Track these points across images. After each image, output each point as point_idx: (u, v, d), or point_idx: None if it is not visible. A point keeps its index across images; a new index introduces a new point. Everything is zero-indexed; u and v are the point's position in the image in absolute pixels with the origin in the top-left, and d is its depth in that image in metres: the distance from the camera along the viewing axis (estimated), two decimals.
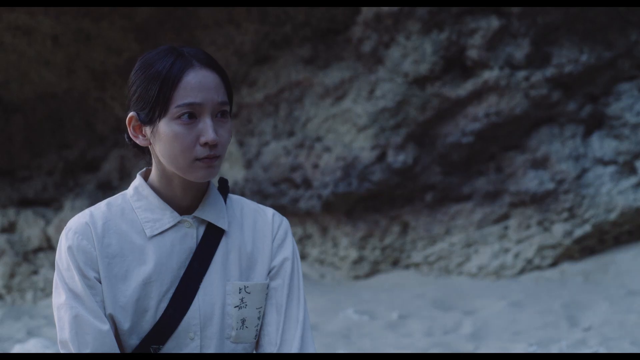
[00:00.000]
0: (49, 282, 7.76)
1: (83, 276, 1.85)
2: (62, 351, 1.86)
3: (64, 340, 1.85)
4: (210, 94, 1.84)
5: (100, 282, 1.87)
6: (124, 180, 8.15)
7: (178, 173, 1.88)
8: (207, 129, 1.82)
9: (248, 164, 7.66)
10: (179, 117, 1.81)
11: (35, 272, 7.88)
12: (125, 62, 7.74)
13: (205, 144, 1.83)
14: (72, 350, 1.84)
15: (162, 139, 1.84)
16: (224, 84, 1.88)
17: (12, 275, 7.82)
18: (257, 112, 7.58)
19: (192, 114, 1.82)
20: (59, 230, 7.91)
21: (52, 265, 7.86)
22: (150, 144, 1.89)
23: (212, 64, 1.87)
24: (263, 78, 7.51)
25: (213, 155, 1.85)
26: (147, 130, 1.87)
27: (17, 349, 4.85)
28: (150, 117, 1.84)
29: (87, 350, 1.83)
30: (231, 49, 7.44)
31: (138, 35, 7.48)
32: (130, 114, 1.88)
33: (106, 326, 1.84)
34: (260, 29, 7.31)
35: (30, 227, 8.09)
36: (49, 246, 8.04)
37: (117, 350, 1.86)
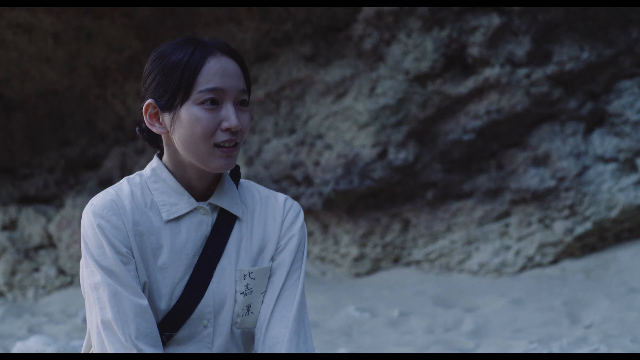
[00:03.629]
0: (50, 280, 7.77)
1: (116, 252, 1.83)
2: (103, 332, 1.82)
3: (106, 320, 1.82)
4: (233, 81, 1.85)
5: (133, 257, 1.85)
6: None
7: (196, 162, 1.86)
8: (229, 115, 1.83)
9: (249, 161, 7.67)
10: (202, 103, 1.82)
11: (36, 270, 7.88)
12: (127, 59, 7.74)
13: (227, 130, 1.83)
14: (116, 329, 1.81)
15: (184, 124, 1.83)
16: (244, 72, 1.90)
17: (13, 272, 7.83)
18: (258, 110, 7.58)
19: (214, 100, 1.83)
20: (61, 227, 7.92)
21: (54, 263, 7.87)
22: (167, 132, 1.88)
23: (233, 53, 1.90)
24: (264, 75, 7.52)
25: (233, 141, 1.85)
26: (166, 117, 1.86)
27: (18, 346, 4.85)
28: (170, 103, 1.84)
29: (130, 328, 1.80)
30: (232, 46, 7.42)
31: (139, 33, 7.48)
32: (148, 101, 1.87)
33: (145, 301, 1.83)
34: (261, 27, 7.31)
35: (32, 225, 8.10)
36: (50, 244, 8.04)
37: (156, 326, 1.84)
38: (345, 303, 6.39)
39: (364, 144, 7.10)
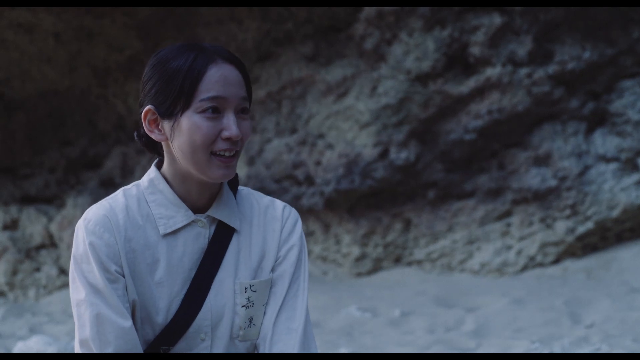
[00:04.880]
0: (51, 280, 7.77)
1: (105, 270, 1.81)
2: (81, 350, 1.82)
3: (84, 339, 1.81)
4: (234, 89, 1.82)
5: (122, 276, 1.83)
6: (126, 178, 8.15)
7: (194, 170, 1.84)
8: (230, 124, 1.80)
9: (250, 161, 7.66)
10: (203, 111, 1.79)
11: (37, 269, 7.88)
12: (127, 59, 7.74)
13: (228, 139, 1.81)
14: (93, 349, 1.80)
15: (184, 132, 1.80)
16: (245, 79, 1.86)
17: (14, 272, 7.83)
18: (259, 110, 7.58)
19: (216, 109, 1.80)
20: (62, 227, 7.92)
21: (55, 263, 7.87)
22: (166, 139, 1.85)
23: (234, 60, 1.85)
24: (265, 75, 7.51)
25: (233, 150, 1.82)
26: (166, 124, 1.83)
27: (20, 346, 4.85)
28: (171, 111, 1.81)
29: (108, 349, 1.79)
30: (233, 46, 7.44)
31: (140, 33, 7.48)
32: (147, 107, 1.84)
33: (128, 323, 1.80)
34: (262, 26, 7.31)
35: (33, 224, 8.10)
36: (51, 243, 8.04)
37: (139, 347, 1.82)
38: (346, 303, 6.38)
39: (365, 144, 7.10)
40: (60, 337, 5.79)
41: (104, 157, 8.39)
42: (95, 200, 7.91)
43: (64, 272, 7.80)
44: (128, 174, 8.18)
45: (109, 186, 8.23)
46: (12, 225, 8.14)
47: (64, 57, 7.80)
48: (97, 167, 8.43)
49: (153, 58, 1.86)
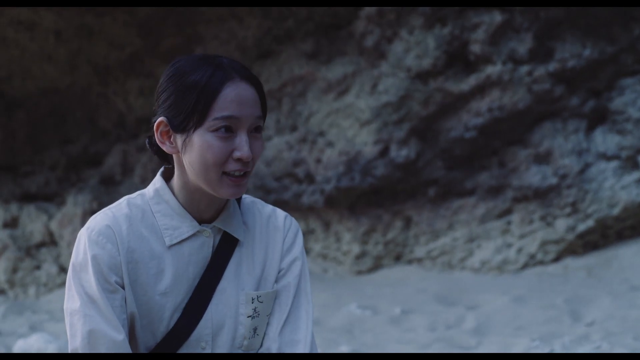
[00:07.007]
0: (51, 277, 7.77)
1: (104, 281, 1.80)
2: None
3: (75, 349, 1.81)
4: (249, 109, 1.80)
5: (122, 288, 1.83)
6: (126, 175, 8.15)
7: (204, 187, 1.83)
8: (242, 144, 1.79)
9: None
10: (215, 130, 1.78)
11: (37, 267, 7.88)
12: (128, 57, 7.74)
13: (239, 160, 1.80)
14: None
15: (195, 149, 1.79)
16: (260, 98, 1.85)
17: (14, 270, 7.83)
18: None
19: (229, 128, 1.78)
20: (62, 225, 7.92)
21: (55, 261, 7.87)
22: (178, 152, 1.84)
23: (251, 78, 1.83)
24: (266, 73, 7.51)
25: (243, 170, 1.82)
26: (178, 138, 1.82)
27: (20, 344, 4.85)
28: (184, 126, 1.79)
29: None
30: (234, 44, 7.44)
31: (140, 31, 7.48)
32: (160, 118, 1.83)
33: (121, 336, 1.80)
34: (263, 24, 7.30)
35: (33, 222, 8.10)
36: (52, 241, 8.04)
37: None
38: (347, 301, 6.38)
39: (365, 141, 7.10)
40: (60, 335, 5.79)
41: (104, 154, 8.39)
42: (96, 198, 7.93)
43: (64, 270, 7.80)
44: (128, 172, 8.18)
45: (109, 184, 8.23)
46: (12, 223, 8.14)
47: (64, 55, 7.80)
48: (98, 164, 8.43)
49: (170, 68, 1.85)
